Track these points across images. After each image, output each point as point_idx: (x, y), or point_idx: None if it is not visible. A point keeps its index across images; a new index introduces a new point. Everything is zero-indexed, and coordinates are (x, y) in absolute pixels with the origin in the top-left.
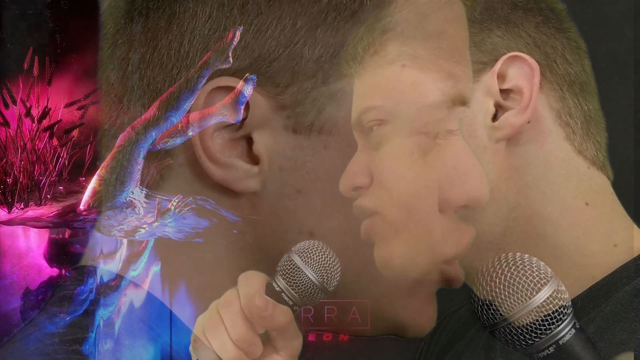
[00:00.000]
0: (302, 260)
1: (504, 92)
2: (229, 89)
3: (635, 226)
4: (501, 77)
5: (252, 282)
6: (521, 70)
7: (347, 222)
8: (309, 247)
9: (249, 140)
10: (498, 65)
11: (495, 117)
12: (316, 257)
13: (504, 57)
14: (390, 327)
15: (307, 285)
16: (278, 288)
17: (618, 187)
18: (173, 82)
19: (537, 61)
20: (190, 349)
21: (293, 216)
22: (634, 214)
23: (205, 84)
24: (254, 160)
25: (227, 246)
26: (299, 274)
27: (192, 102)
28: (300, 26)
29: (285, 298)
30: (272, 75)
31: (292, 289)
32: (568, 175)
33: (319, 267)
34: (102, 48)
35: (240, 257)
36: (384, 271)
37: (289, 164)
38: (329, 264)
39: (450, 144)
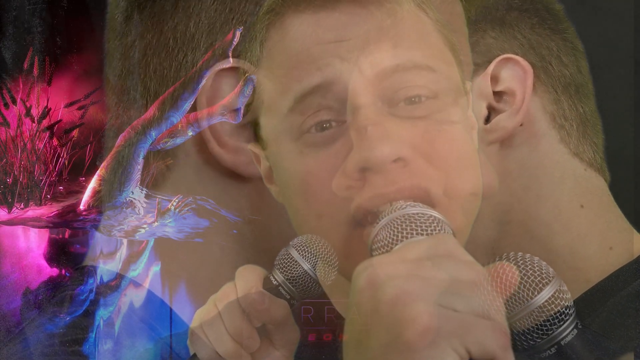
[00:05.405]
0: (299, 254)
1: (497, 95)
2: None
3: (634, 229)
4: (494, 79)
5: (249, 275)
6: (514, 73)
7: None
8: (307, 241)
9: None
10: (491, 67)
11: (487, 120)
12: (314, 250)
13: (497, 59)
14: None
15: (305, 279)
16: (276, 282)
17: (618, 188)
18: (179, 67)
19: (531, 63)
20: (188, 342)
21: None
22: (634, 216)
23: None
24: (262, 145)
25: (227, 245)
26: (297, 268)
27: (192, 102)
28: None
29: (283, 292)
30: None
31: (290, 283)
32: (563, 177)
33: (317, 261)
34: (109, 40)
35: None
36: None
37: None
38: (327, 257)
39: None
